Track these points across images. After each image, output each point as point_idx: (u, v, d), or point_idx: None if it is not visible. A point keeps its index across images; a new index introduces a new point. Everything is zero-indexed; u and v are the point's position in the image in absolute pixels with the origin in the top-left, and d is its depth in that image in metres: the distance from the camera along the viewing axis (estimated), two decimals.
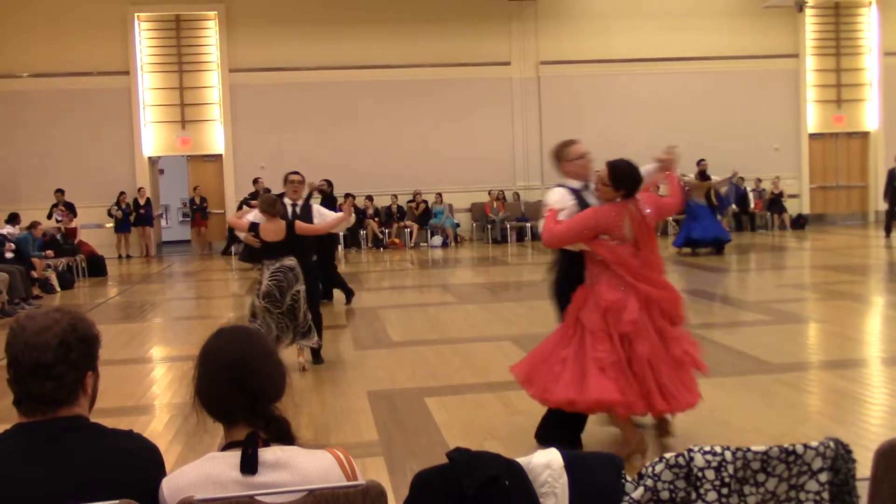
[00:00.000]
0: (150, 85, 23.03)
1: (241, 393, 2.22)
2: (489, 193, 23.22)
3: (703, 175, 19.06)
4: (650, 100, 23.86)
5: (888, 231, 20.38)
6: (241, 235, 8.40)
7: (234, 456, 2.15)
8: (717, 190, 19.34)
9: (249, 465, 2.12)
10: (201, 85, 23.18)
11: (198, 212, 23.10)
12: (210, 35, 23.16)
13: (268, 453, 2.15)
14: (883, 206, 24.61)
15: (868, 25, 25.31)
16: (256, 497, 2.06)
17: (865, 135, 25.48)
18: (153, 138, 23.13)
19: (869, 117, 25.38)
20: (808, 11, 24.73)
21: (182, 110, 23.10)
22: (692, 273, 15.81)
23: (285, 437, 2.24)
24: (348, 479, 2.21)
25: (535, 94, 23.89)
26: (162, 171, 24.82)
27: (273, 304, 7.91)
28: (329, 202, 13.99)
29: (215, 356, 2.29)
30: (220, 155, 23.29)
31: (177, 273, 19.59)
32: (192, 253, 23.23)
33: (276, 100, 22.89)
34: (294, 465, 2.16)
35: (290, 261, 8.06)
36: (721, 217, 20.21)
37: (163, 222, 25.33)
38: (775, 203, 24.08)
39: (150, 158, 23.22)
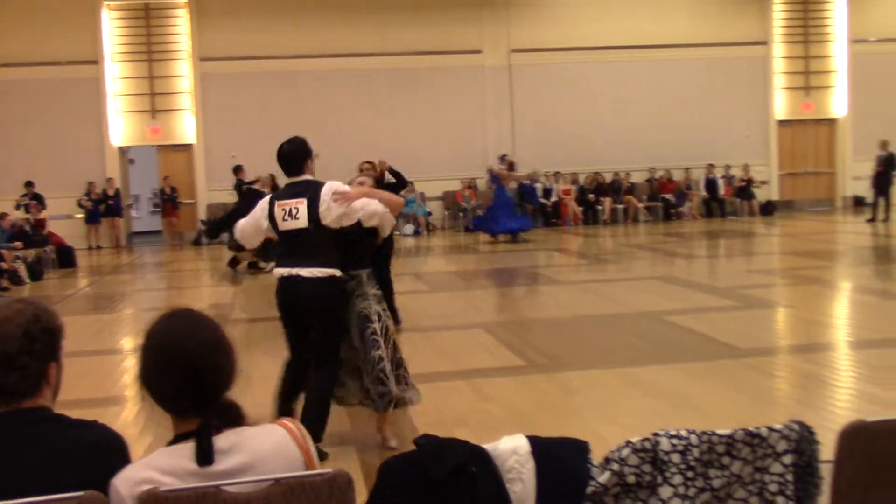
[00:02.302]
0: (119, 74, 22.79)
1: (193, 388, 2.15)
2: (461, 182, 23.24)
3: (510, 167, 20.03)
4: (621, 88, 23.92)
5: (874, 217, 20.57)
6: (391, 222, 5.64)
7: (187, 447, 2.11)
8: (521, 182, 20.85)
9: (205, 456, 2.08)
10: (171, 74, 22.97)
11: (168, 202, 22.92)
12: (180, 24, 22.94)
13: (221, 440, 2.11)
14: (851, 191, 24.94)
15: (835, 13, 25.51)
16: (222, 487, 2.05)
17: (833, 121, 25.71)
18: (123, 128, 22.91)
19: (836, 104, 25.60)
20: None
21: (152, 100, 22.88)
22: (661, 259, 15.92)
23: (236, 421, 2.20)
24: (302, 449, 2.19)
25: (507, 83, 23.89)
26: (132, 161, 24.57)
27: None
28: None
29: (166, 344, 2.18)
30: (191, 144, 23.11)
31: (147, 264, 19.45)
32: (162, 243, 23.07)
33: (248, 89, 22.73)
34: (248, 446, 2.13)
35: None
36: (526, 208, 21.50)
37: (133, 213, 25.08)
38: (744, 190, 24.26)
39: (119, 148, 23.00)
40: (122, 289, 14.95)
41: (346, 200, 5.27)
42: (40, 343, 2.21)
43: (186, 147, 23.19)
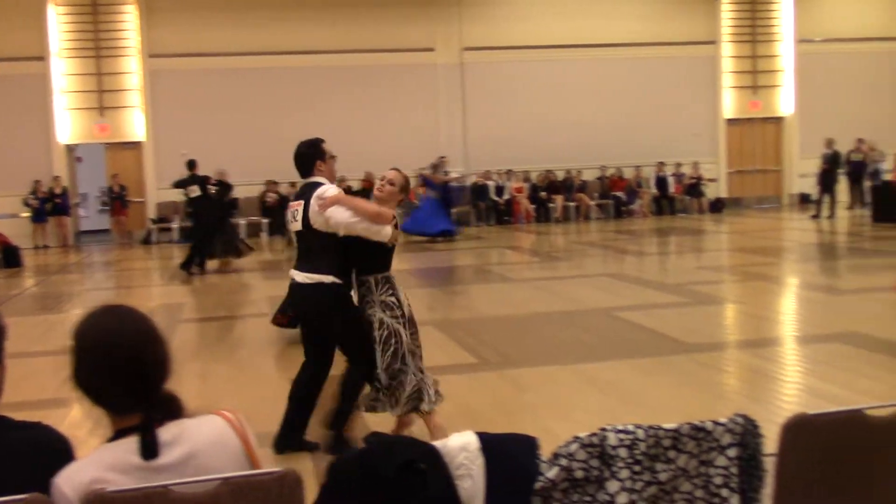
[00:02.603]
0: (66, 71, 22.43)
1: (132, 382, 2.10)
2: (414, 179, 23.23)
3: (435, 168, 20.23)
4: (572, 86, 24.10)
5: (818, 214, 20.96)
6: (381, 232, 5.16)
7: (130, 442, 2.08)
8: (448, 183, 20.76)
9: (150, 450, 2.06)
10: (120, 71, 22.67)
11: (117, 200, 22.60)
12: (128, 20, 22.63)
13: (163, 432, 2.09)
14: (797, 189, 25.38)
15: (782, 13, 25.94)
16: (170, 487, 2.03)
17: (780, 120, 26.15)
18: (70, 125, 22.56)
19: (783, 103, 26.04)
20: None
21: (100, 97, 22.55)
22: (612, 256, 16.07)
23: (176, 413, 2.17)
24: (241, 439, 2.17)
25: (459, 81, 23.94)
26: (79, 159, 24.21)
27: (415, 335, 5.45)
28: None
29: (100, 340, 2.12)
30: (140, 142, 22.83)
31: (96, 263, 19.18)
32: (111, 242, 22.75)
33: (198, 86, 22.50)
34: (189, 438, 2.11)
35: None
36: (452, 209, 21.35)
37: (81, 211, 24.71)
38: (694, 187, 24.56)
39: (66, 146, 22.64)
40: (70, 289, 14.72)
41: (322, 207, 5.17)
42: None
43: (136, 145, 22.90)
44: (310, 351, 5.52)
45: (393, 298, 5.26)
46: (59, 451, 2.19)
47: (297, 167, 5.48)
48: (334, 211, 5.17)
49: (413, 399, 5.28)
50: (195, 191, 15.36)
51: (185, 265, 15.25)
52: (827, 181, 21.30)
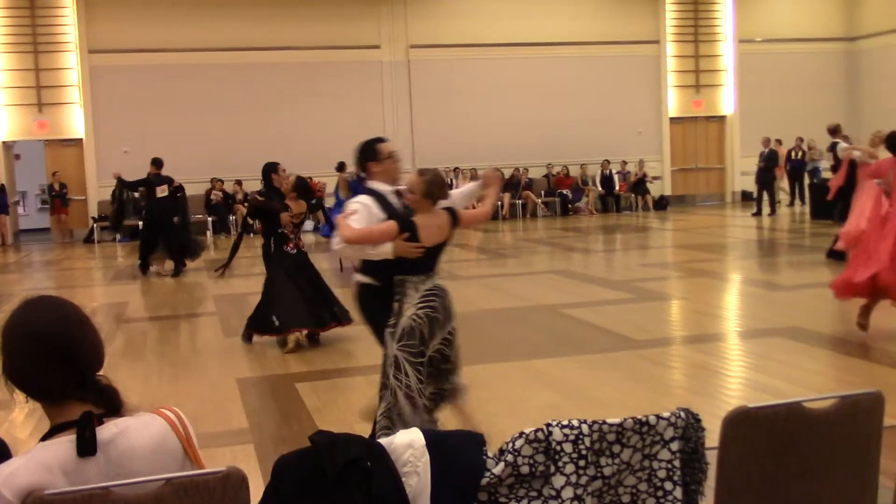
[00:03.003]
0: (3, 66, 21.96)
1: (67, 367, 2.08)
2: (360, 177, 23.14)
3: (341, 168, 19.63)
4: (519, 84, 24.22)
5: (759, 211, 21.36)
6: (377, 251, 4.85)
7: (67, 439, 2.04)
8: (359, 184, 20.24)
9: (88, 447, 2.02)
10: (59, 66, 22.24)
11: (57, 198, 22.19)
12: (67, 14, 22.21)
13: (104, 431, 2.06)
14: (739, 186, 25.81)
15: (724, 13, 26.34)
16: (111, 488, 2.00)
17: (722, 119, 26.56)
18: (7, 122, 22.10)
19: (725, 102, 26.46)
20: None
21: (38, 93, 22.12)
22: (559, 254, 16.18)
23: (116, 408, 2.13)
24: (182, 440, 2.15)
25: (406, 78, 23.92)
26: (18, 157, 23.71)
27: (412, 350, 4.83)
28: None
29: (30, 329, 2.10)
30: (81, 139, 22.44)
31: (36, 262, 18.80)
32: (52, 241, 22.33)
33: (140, 82, 22.16)
34: (128, 438, 2.08)
35: (440, 279, 5.24)
36: None
37: (20, 209, 24.22)
38: (639, 185, 24.83)
39: (4, 143, 22.17)
40: (10, 288, 14.41)
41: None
42: None
43: (76, 142, 22.51)
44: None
45: (426, 300, 4.94)
46: None
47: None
48: (334, 243, 4.97)
49: (383, 417, 4.77)
50: (164, 190, 14.67)
51: (143, 266, 14.90)
52: (764, 179, 21.73)
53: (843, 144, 13.95)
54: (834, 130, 15.23)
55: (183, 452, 2.15)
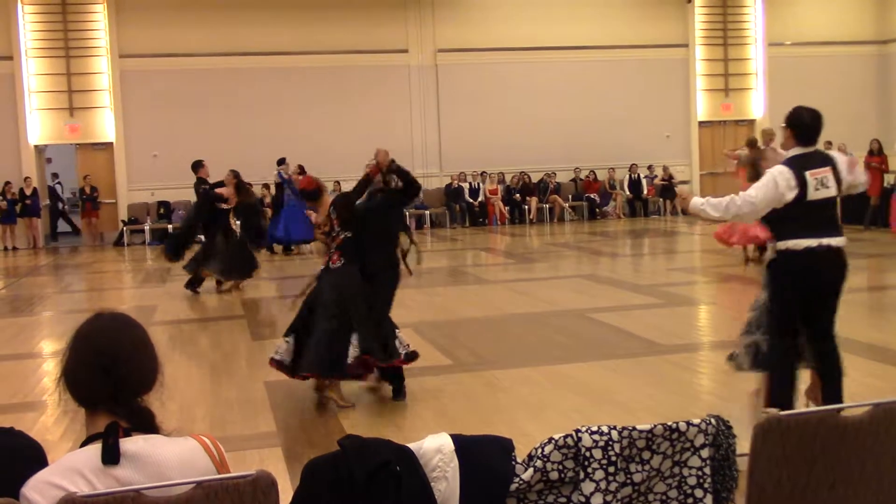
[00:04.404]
0: (35, 71, 22.21)
1: (106, 379, 2.15)
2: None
3: (302, 170, 18.43)
4: (546, 88, 24.16)
5: None
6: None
7: (96, 448, 2.09)
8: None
9: (110, 455, 2.06)
10: (90, 71, 22.45)
11: (88, 202, 22.41)
12: (98, 19, 22.43)
13: (129, 442, 2.09)
14: None
15: (753, 16, 26.16)
16: (142, 491, 2.01)
17: (751, 122, 26.32)
18: (39, 126, 22.33)
19: (754, 105, 26.26)
20: (697, 2, 25.45)
21: (70, 97, 22.34)
22: (586, 258, 16.13)
23: (148, 428, 2.18)
24: (215, 464, 2.17)
25: (433, 82, 23.93)
26: (49, 160, 23.98)
27: None
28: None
29: (86, 338, 2.21)
30: (111, 143, 22.64)
31: (67, 265, 18.99)
32: (82, 244, 22.55)
33: (170, 86, 22.34)
34: (155, 452, 2.11)
35: None
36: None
37: (59, 205, 24.53)
38: (667, 189, 24.70)
39: (36, 147, 22.42)
40: (41, 291, 14.56)
41: (851, 166, 5.43)
42: None
43: (107, 146, 22.71)
44: (823, 321, 5.38)
45: None
46: (31, 458, 2.18)
47: (808, 136, 5.28)
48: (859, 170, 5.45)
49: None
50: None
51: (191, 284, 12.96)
52: None
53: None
54: (751, 144, 15.71)
55: (214, 472, 2.17)
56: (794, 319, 5.32)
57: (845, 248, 5.22)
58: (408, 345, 6.53)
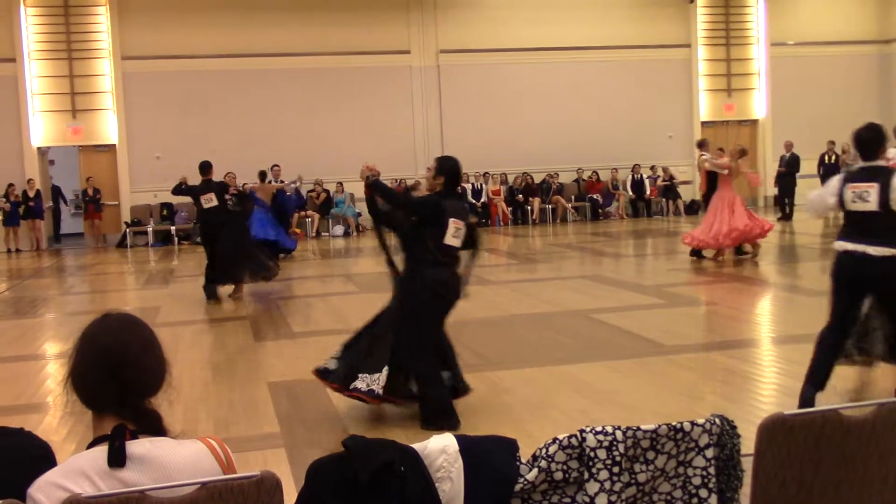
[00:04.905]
0: (38, 73, 22.23)
1: (113, 381, 2.14)
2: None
3: (263, 177, 18.49)
4: (549, 89, 24.16)
5: (784, 215, 21.21)
6: None
7: (101, 450, 2.09)
8: (284, 191, 19.60)
9: (117, 458, 2.05)
10: (92, 73, 22.48)
11: (91, 203, 22.45)
12: (101, 21, 22.46)
13: (135, 445, 2.09)
14: (771, 191, 25.59)
15: (756, 16, 26.14)
16: (147, 492, 2.01)
17: (754, 122, 26.34)
18: (42, 128, 22.36)
19: (757, 105, 26.24)
20: (700, 3, 25.46)
21: (72, 99, 22.37)
22: (589, 258, 16.12)
23: (155, 430, 2.17)
24: (222, 466, 2.17)
25: (436, 83, 23.94)
26: (52, 162, 24.01)
27: None
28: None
29: (94, 339, 2.20)
30: (114, 145, 22.66)
31: (70, 267, 19.01)
32: (85, 246, 22.57)
33: (172, 88, 22.36)
34: (161, 455, 2.10)
35: None
36: (290, 220, 20.44)
37: (62, 206, 24.55)
38: (669, 189, 24.69)
39: (39, 149, 22.45)
40: (44, 293, 14.58)
41: None
42: None
43: (109, 147, 22.73)
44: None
45: None
46: (39, 458, 2.19)
47: (861, 150, 5.71)
48: None
49: None
50: (211, 200, 12.38)
51: (209, 288, 12.46)
52: (783, 184, 21.61)
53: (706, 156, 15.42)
54: (701, 144, 16.07)
55: (221, 475, 2.17)
56: (839, 310, 5.87)
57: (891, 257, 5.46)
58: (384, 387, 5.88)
